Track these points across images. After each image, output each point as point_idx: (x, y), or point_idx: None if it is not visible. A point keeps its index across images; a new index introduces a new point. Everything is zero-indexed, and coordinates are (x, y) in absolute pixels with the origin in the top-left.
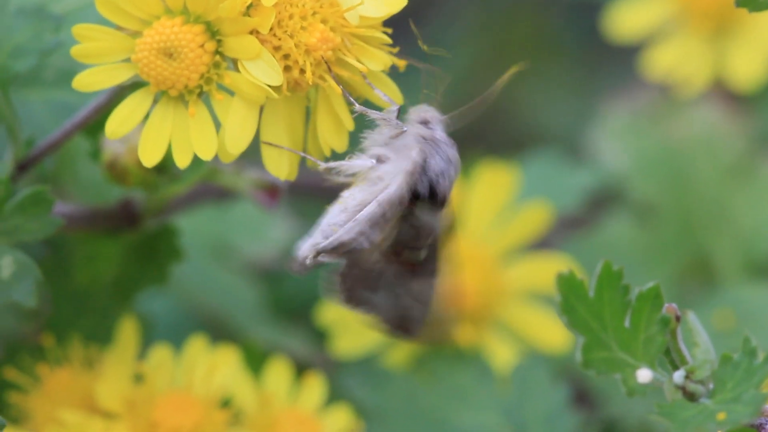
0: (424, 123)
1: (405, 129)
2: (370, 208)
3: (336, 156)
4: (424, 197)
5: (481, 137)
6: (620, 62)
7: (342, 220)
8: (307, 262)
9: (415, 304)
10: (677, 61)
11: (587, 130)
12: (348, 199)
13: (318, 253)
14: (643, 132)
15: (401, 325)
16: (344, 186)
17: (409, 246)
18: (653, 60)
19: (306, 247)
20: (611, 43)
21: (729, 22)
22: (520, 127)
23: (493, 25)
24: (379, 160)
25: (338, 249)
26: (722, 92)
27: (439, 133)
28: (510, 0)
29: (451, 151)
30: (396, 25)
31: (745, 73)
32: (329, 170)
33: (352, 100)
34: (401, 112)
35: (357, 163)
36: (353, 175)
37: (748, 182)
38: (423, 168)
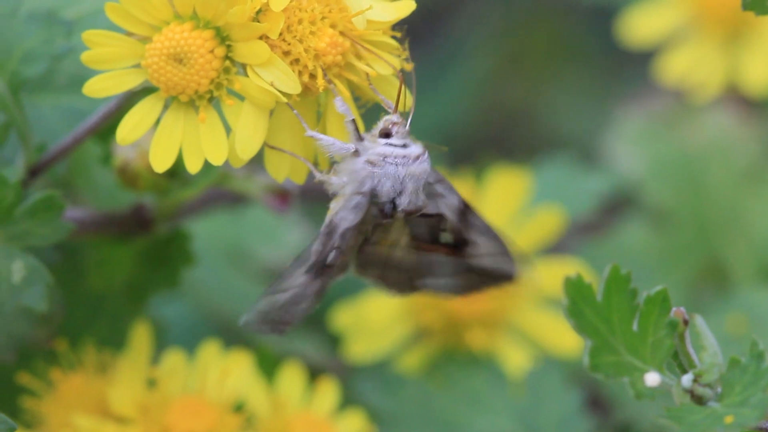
0: (384, 134)
1: (354, 149)
2: (317, 241)
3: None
4: (392, 213)
5: (497, 141)
6: (636, 68)
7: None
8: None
9: (484, 268)
10: (691, 66)
11: (602, 135)
12: (332, 211)
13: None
14: (658, 137)
15: (481, 288)
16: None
17: (428, 238)
18: (667, 65)
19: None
20: (628, 49)
21: (742, 27)
22: (536, 132)
23: (513, 32)
24: (345, 182)
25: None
26: (736, 97)
27: (390, 148)
28: (529, 7)
29: (403, 167)
30: (409, 28)
31: (758, 79)
32: (320, 183)
33: (306, 126)
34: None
35: (334, 181)
36: (334, 191)
37: (761, 187)
38: (374, 195)
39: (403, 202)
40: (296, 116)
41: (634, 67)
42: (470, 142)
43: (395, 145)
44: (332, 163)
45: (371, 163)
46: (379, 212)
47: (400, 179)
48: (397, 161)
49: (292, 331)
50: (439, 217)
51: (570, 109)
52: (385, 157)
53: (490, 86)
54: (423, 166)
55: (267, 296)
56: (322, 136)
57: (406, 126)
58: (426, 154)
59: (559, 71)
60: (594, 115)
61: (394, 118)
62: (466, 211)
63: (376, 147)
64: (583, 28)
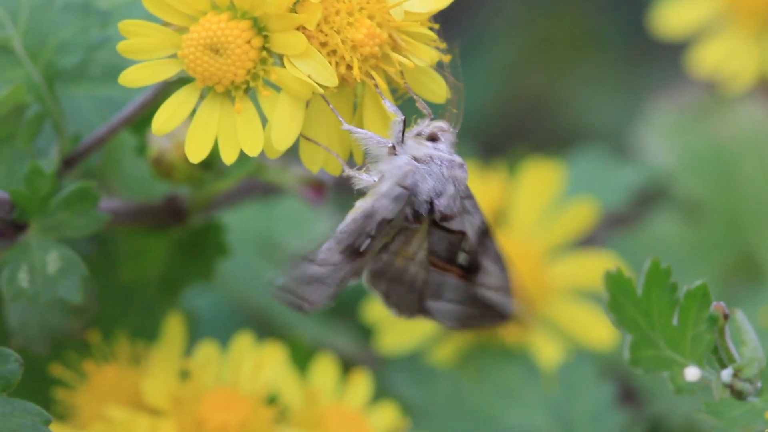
0: (431, 138)
1: (399, 148)
2: (348, 224)
3: (352, 164)
4: (426, 215)
5: (526, 134)
6: (666, 59)
7: (351, 228)
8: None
9: (488, 301)
10: (723, 58)
11: (633, 127)
12: (358, 208)
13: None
14: (690, 129)
15: (480, 323)
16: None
17: (446, 256)
18: (699, 57)
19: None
20: (657, 39)
21: None
22: (565, 124)
23: (537, 21)
24: (381, 178)
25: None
26: None
27: (437, 151)
28: None
29: (447, 169)
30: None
31: None
32: (348, 178)
33: (342, 120)
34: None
35: (364, 178)
36: (363, 187)
37: None
38: (414, 192)
39: (442, 204)
40: (338, 106)
41: (663, 58)
42: (494, 132)
43: (442, 150)
44: (365, 159)
45: (417, 159)
46: (411, 213)
47: (444, 180)
48: (443, 162)
49: (313, 311)
50: (461, 235)
51: (594, 99)
52: (432, 157)
53: (514, 76)
54: (464, 174)
55: (303, 262)
56: (358, 129)
57: (454, 134)
58: (467, 165)
59: (582, 61)
60: (624, 107)
61: (443, 125)
62: (485, 233)
63: (422, 148)
64: (610, 18)
